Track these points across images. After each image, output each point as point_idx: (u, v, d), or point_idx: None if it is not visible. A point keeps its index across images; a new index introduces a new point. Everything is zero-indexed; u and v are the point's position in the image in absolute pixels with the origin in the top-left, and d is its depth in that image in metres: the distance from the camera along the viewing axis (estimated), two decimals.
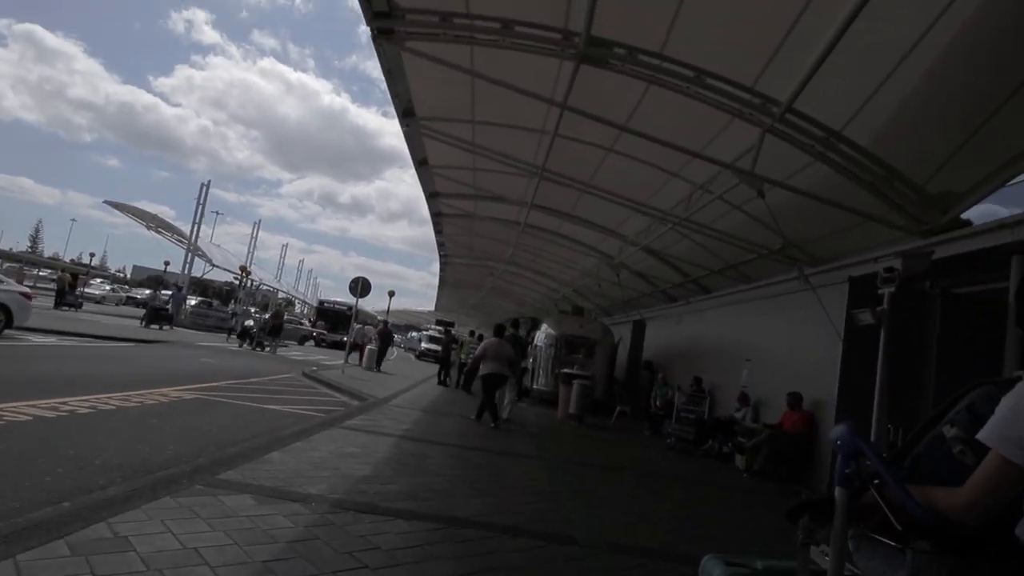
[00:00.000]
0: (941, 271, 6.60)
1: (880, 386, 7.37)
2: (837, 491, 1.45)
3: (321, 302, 34.42)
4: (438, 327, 49.05)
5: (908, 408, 6.07)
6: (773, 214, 9.59)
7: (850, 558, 1.54)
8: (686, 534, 4.82)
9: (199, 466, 4.22)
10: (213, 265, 34.06)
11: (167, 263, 29.13)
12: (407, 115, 10.66)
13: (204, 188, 30.63)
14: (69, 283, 26.15)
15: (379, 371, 17.48)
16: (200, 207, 30.43)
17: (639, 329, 18.73)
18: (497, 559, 3.33)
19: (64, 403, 6.15)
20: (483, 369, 9.55)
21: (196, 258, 32.82)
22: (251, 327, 21.96)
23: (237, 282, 30.52)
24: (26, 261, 74.58)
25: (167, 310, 23.38)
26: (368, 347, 18.57)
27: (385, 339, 19.50)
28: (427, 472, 5.24)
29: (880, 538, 1.46)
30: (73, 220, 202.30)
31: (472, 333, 20.34)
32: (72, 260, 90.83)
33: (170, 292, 27.19)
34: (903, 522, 1.34)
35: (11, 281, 11.97)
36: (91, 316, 22.76)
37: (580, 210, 14.08)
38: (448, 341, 18.34)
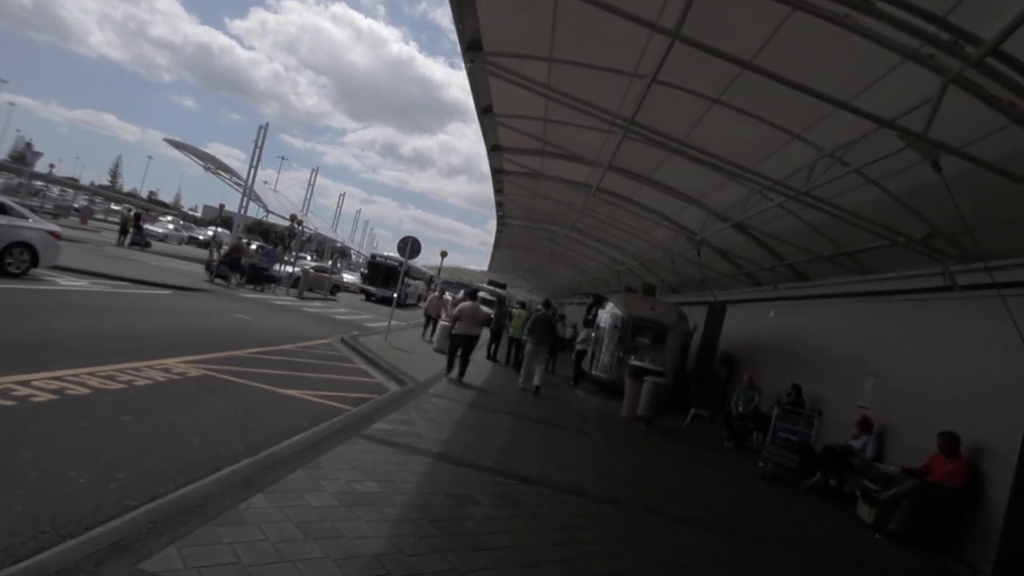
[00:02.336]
0: None
1: None
2: None
3: (373, 255, 33.46)
4: (490, 287, 47.82)
5: None
6: (924, 194, 7.48)
7: None
8: None
9: (122, 540, 2.76)
10: (268, 211, 33.63)
11: (222, 205, 28.61)
12: (472, 48, 8.85)
13: (262, 131, 29.67)
14: (132, 221, 25.91)
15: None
16: (258, 150, 29.65)
17: (716, 314, 16.50)
18: None
19: (27, 381, 4.92)
20: (457, 329, 10.39)
21: (253, 202, 32.40)
22: (212, 260, 19.79)
23: (290, 230, 29.76)
24: (104, 196, 77.91)
25: (269, 271, 21.31)
26: (441, 322, 15.49)
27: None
28: (465, 542, 3.66)
29: None
30: (150, 157, 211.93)
31: (523, 305, 18.38)
32: (148, 195, 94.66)
33: (264, 248, 24.78)
34: None
35: (38, 217, 11.10)
36: (150, 257, 22.49)
37: (663, 174, 12.05)
38: (500, 313, 16.62)
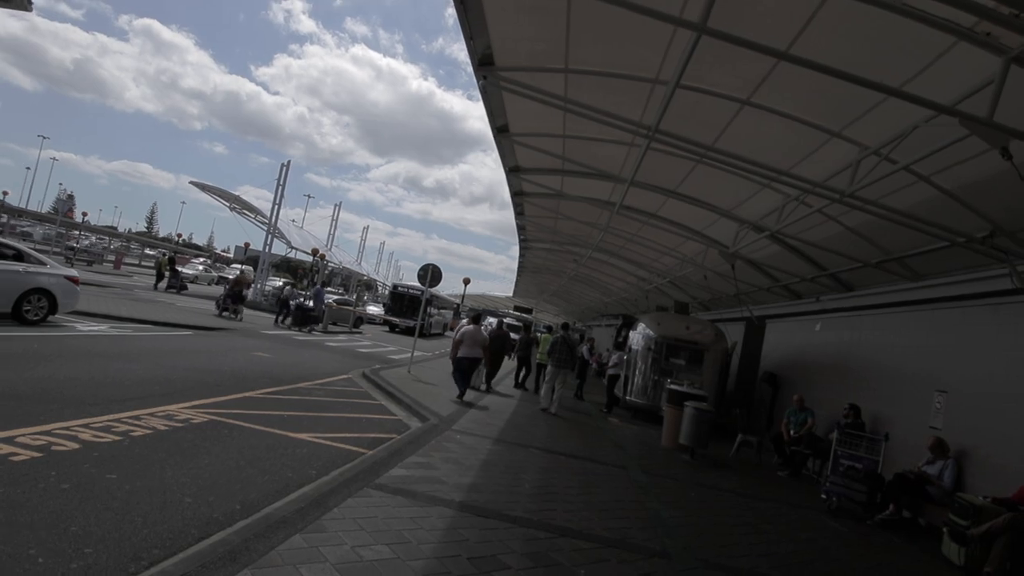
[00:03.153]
0: None
1: None
2: None
3: (395, 285, 33.34)
4: (516, 313, 47.35)
5: None
6: (983, 188, 6.79)
7: None
8: None
9: None
10: (292, 247, 33.88)
11: (247, 244, 28.88)
12: (484, 64, 8.47)
13: (284, 168, 30.07)
14: (167, 265, 26.22)
15: (487, 390, 13.13)
16: (281, 187, 29.98)
17: (754, 330, 15.63)
18: None
19: (11, 438, 4.52)
20: (461, 352, 10.79)
21: (278, 240, 32.68)
22: (220, 295, 20.14)
23: (313, 264, 29.84)
24: (140, 241, 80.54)
25: (313, 311, 21.07)
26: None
27: (498, 347, 13.91)
28: None
29: None
30: (183, 202, 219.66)
31: (550, 329, 17.61)
32: (181, 238, 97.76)
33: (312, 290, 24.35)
34: None
35: (56, 264, 11.01)
36: (178, 298, 22.62)
37: (690, 186, 11.45)
38: (528, 340, 15.92)
